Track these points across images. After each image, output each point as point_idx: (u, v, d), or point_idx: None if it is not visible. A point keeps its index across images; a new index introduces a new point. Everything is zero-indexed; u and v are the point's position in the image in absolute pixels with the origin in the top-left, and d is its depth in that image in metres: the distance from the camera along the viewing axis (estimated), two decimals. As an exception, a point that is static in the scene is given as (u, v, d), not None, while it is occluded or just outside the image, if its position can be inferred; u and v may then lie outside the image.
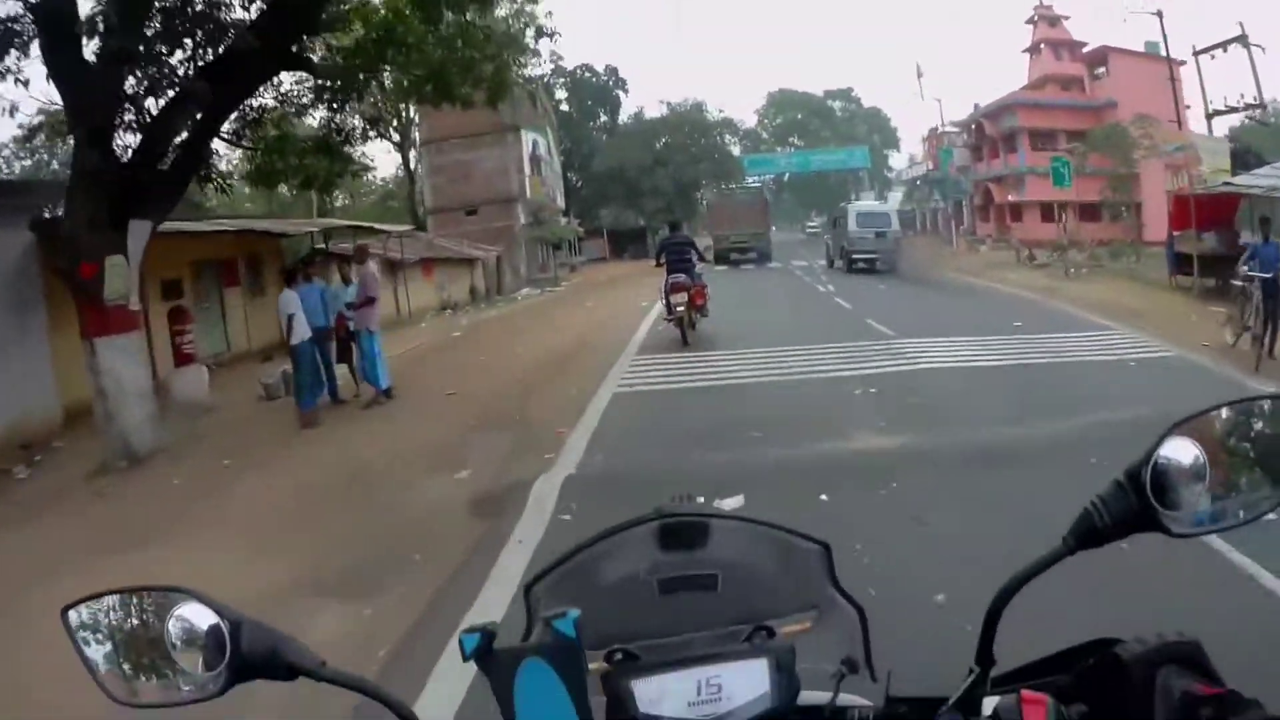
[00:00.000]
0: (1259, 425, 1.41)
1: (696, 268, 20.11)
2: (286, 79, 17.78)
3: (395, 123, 63.02)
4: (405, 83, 17.79)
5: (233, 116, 15.41)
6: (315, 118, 19.62)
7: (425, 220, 54.02)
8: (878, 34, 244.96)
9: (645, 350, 19.29)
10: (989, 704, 1.29)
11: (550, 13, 71.87)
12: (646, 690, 1.31)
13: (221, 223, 23.24)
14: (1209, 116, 40.12)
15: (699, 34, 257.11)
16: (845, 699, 1.40)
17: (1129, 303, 23.69)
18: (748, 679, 1.33)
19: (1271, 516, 1.34)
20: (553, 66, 79.87)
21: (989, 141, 68.67)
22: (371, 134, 23.71)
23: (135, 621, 1.31)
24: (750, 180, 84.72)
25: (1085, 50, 67.03)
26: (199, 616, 1.27)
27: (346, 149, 19.20)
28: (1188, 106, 52.16)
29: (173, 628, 1.27)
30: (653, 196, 74.43)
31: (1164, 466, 1.29)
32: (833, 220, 51.85)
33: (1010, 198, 64.59)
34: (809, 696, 1.37)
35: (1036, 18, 68.87)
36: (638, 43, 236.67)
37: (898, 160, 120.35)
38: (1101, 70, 65.24)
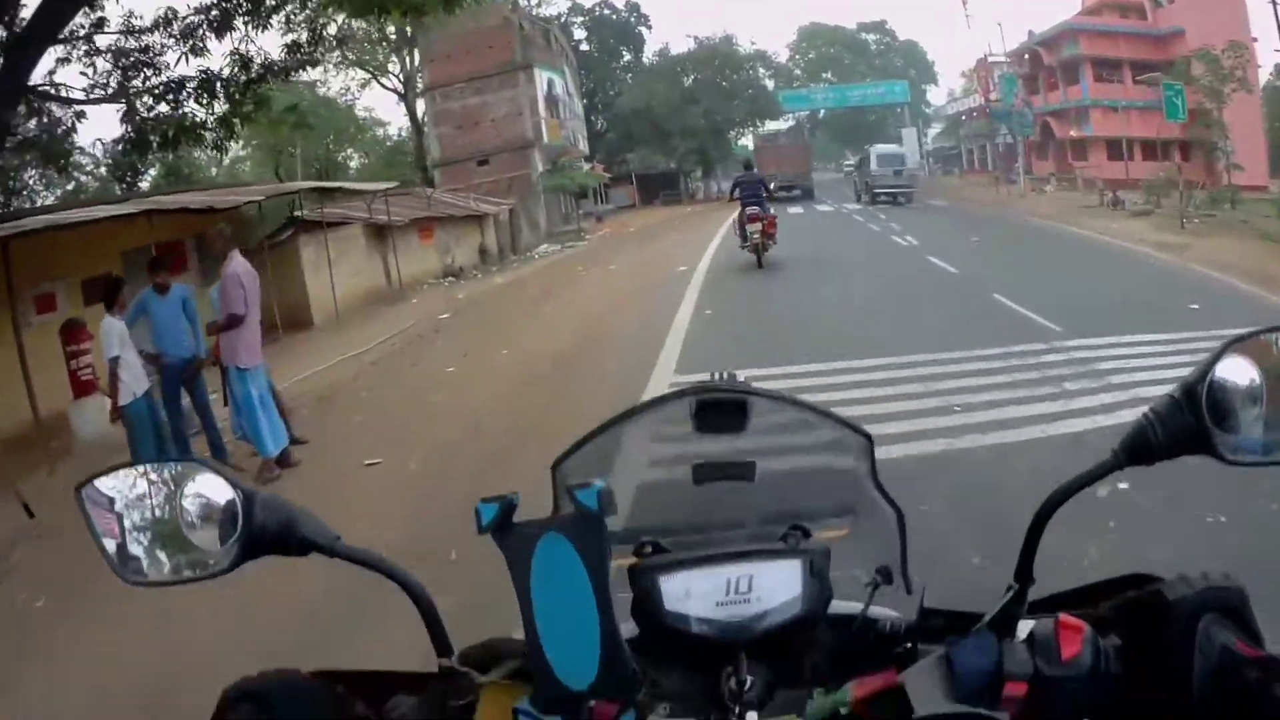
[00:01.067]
0: None
1: (767, 203, 22.16)
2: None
3: (398, 69, 58.32)
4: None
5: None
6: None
7: (434, 175, 49.11)
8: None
9: (691, 354, 12.59)
10: (1024, 626, 1.23)
11: None
12: (673, 586, 1.25)
13: (145, 203, 17.52)
14: None
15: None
16: (876, 610, 1.35)
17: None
18: (780, 581, 1.27)
19: None
20: (570, 3, 74.86)
21: (1045, 72, 62.81)
22: (320, 60, 18.15)
23: (150, 496, 1.26)
24: (786, 118, 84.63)
25: None
26: (214, 489, 1.23)
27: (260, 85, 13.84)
28: (1255, 39, 47.82)
29: (187, 502, 1.24)
30: (684, 137, 69.26)
31: (1220, 385, 1.19)
32: (859, 161, 59.96)
33: (1072, 133, 58.64)
34: (840, 605, 1.32)
35: None
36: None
37: (935, 95, 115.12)
38: None
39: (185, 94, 13.90)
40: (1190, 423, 1.18)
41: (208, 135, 14.87)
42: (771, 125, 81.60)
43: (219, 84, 14.01)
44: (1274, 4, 33.83)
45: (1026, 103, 58.64)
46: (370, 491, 8.36)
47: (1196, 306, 14.47)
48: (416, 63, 54.42)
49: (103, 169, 24.61)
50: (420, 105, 55.63)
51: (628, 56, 79.96)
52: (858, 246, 26.12)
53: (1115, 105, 52.56)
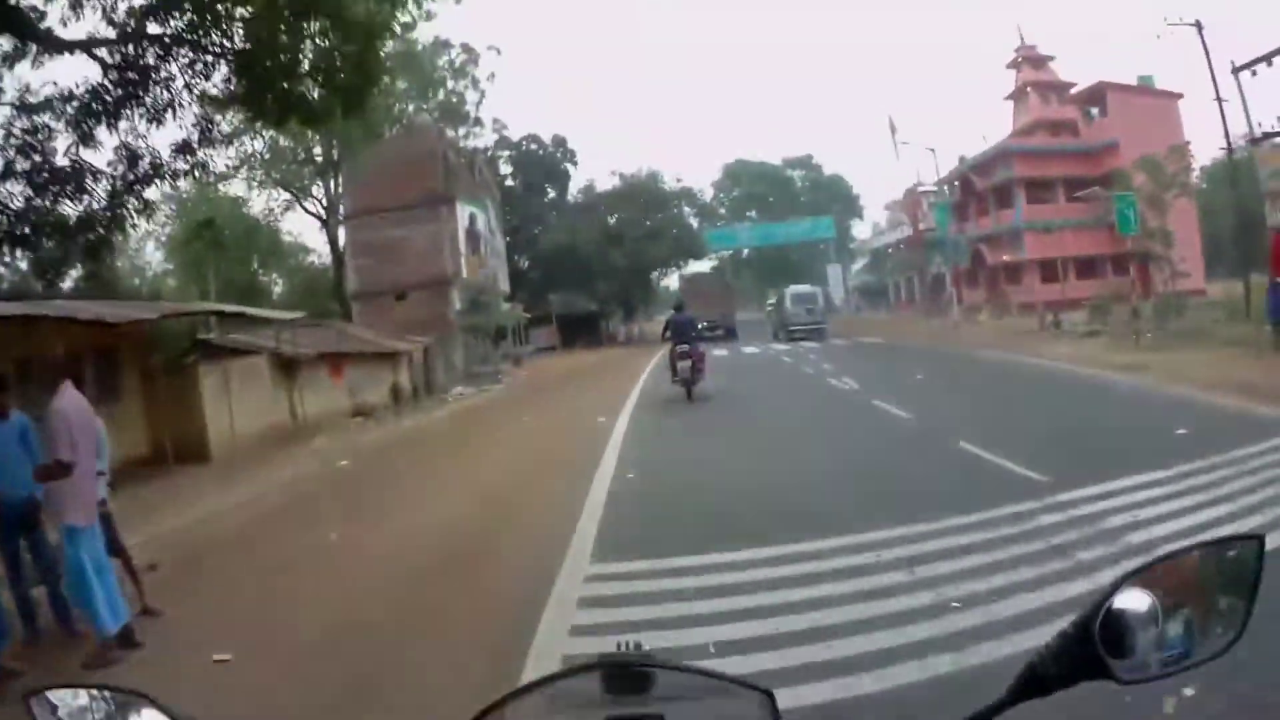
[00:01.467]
0: (1214, 567, 1.41)
1: (696, 342, 24.17)
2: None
3: (323, 194, 57.03)
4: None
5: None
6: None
7: (351, 307, 47.69)
8: (837, 96, 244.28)
9: (613, 533, 10.23)
10: None
11: (492, 74, 67.27)
12: None
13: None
14: (1254, 141, 33.86)
15: (648, 106, 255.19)
16: None
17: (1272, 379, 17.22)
18: None
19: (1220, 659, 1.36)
20: (496, 137, 74.32)
21: (977, 198, 63.66)
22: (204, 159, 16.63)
23: (96, 717, 1.33)
24: (711, 257, 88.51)
25: (1075, 90, 62.92)
26: None
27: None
28: (1188, 142, 48.00)
29: None
30: (606, 278, 68.63)
31: (1116, 615, 1.31)
32: (776, 302, 64.17)
33: (1005, 258, 58.92)
34: None
35: (1020, 60, 64.41)
36: (584, 117, 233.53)
37: (860, 229, 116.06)
38: (1095, 111, 60.77)
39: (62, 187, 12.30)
40: (1086, 653, 1.28)
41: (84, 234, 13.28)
42: (696, 265, 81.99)
43: (95, 177, 12.50)
44: (1220, 106, 33.25)
45: (960, 230, 59.28)
46: (208, 700, 6.28)
47: (1184, 431, 12.93)
48: (339, 188, 52.87)
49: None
50: (342, 233, 54.04)
51: (553, 193, 78.94)
52: (794, 392, 24.20)
53: (1050, 226, 52.77)
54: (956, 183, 66.23)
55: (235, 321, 26.40)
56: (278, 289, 69.47)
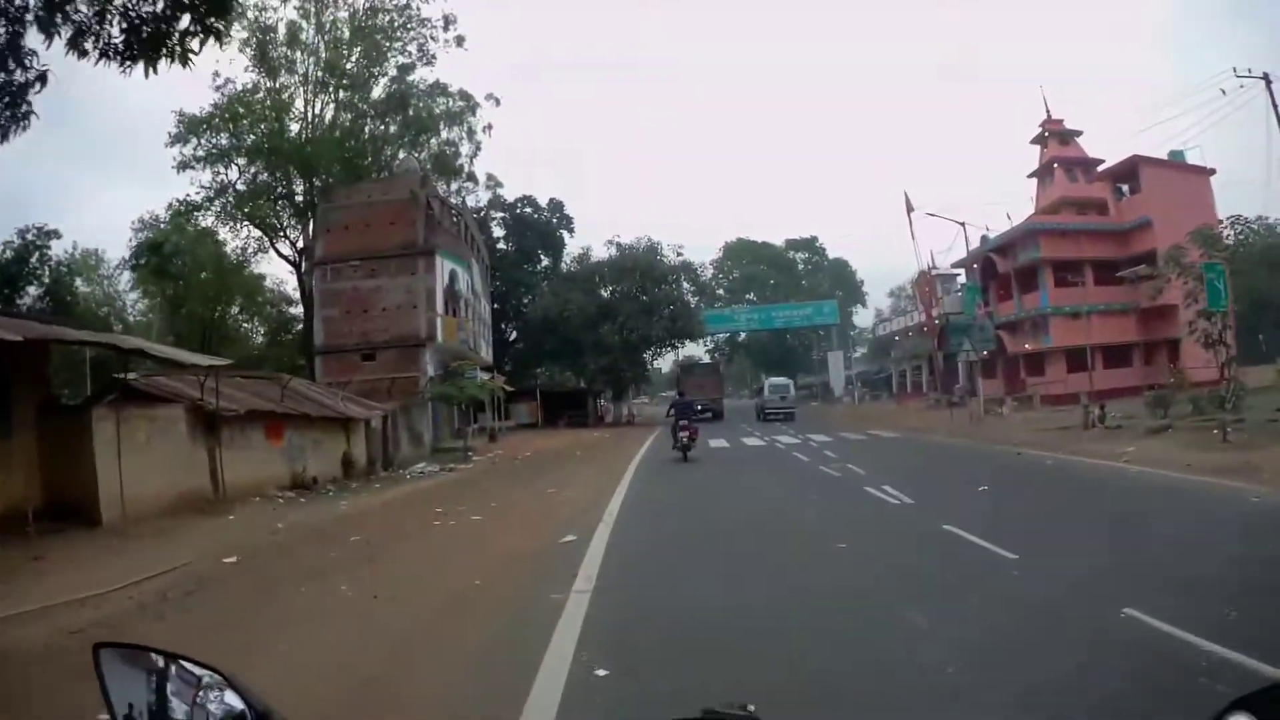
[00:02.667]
0: None
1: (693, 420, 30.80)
2: None
3: (298, 239, 53.05)
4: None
5: None
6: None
7: (316, 363, 43.88)
8: (842, 177, 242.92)
9: None
10: None
11: (489, 125, 63.98)
12: None
13: None
14: None
15: (651, 177, 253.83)
16: None
17: None
18: None
19: None
20: (489, 195, 70.88)
21: (997, 281, 59.93)
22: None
23: (166, 684, 1.36)
24: (708, 340, 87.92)
25: (1103, 167, 59.89)
26: (228, 699, 1.34)
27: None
28: (1221, 222, 47.73)
29: (201, 703, 1.34)
30: (596, 354, 64.44)
31: None
32: (757, 390, 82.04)
33: (1027, 346, 55.41)
34: None
35: (1046, 134, 60.96)
36: (584, 184, 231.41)
37: (862, 317, 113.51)
38: (1125, 188, 58.13)
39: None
40: None
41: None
42: (692, 346, 79.84)
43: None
44: None
45: (990, 314, 54.78)
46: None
47: None
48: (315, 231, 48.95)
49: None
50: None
51: (546, 260, 75.42)
52: (823, 506, 18.08)
53: (1078, 311, 48.72)
54: (976, 265, 62.69)
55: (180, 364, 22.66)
56: (260, 338, 65.76)
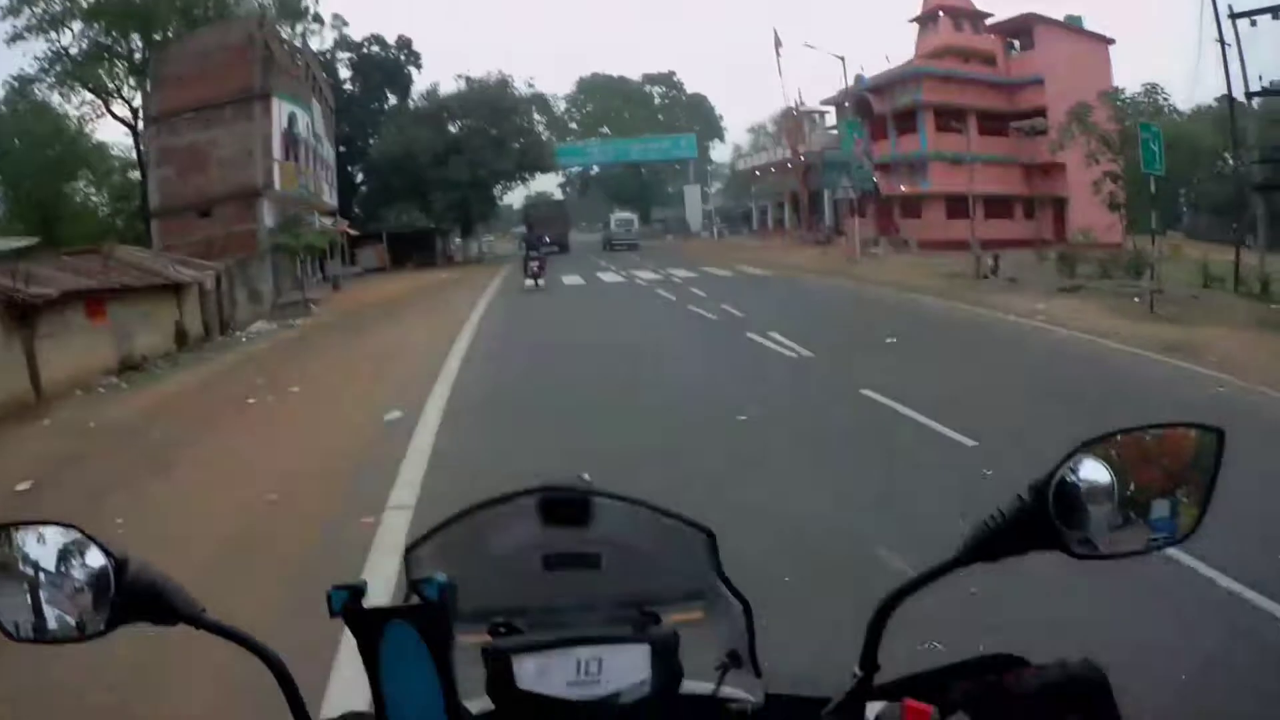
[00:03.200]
0: (1177, 452, 1.37)
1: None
2: None
3: (135, 99, 49.48)
4: None
5: None
6: None
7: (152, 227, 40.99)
8: (706, 11, 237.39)
9: None
10: (872, 709, 1.31)
11: None
12: (526, 666, 1.32)
13: None
14: (1248, 96, 30.69)
15: (502, 9, 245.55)
16: (727, 691, 1.42)
17: None
18: (629, 663, 1.33)
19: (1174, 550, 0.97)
20: (335, 36, 67.27)
21: (873, 121, 57.58)
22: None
23: (20, 554, 1.31)
24: (561, 173, 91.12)
25: (993, 20, 58.92)
26: (86, 554, 1.29)
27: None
28: (1115, 89, 45.82)
29: (58, 563, 1.29)
30: (445, 191, 62.15)
31: (1071, 484, 1.27)
32: (605, 225, 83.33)
33: (903, 188, 54.44)
34: (691, 686, 1.39)
35: None
36: (433, 19, 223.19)
37: (720, 153, 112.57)
38: (1016, 44, 57.87)
39: None
40: (1038, 520, 1.25)
41: None
42: (544, 180, 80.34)
43: None
44: (1222, 45, 29.71)
45: (867, 152, 52.69)
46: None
47: None
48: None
49: None
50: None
51: (394, 99, 71.93)
52: (703, 361, 16.78)
53: (960, 158, 48.08)
54: (848, 104, 61.12)
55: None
56: (104, 209, 61.39)
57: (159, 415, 15.90)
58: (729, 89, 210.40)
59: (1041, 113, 47.30)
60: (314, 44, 61.13)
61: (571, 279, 37.07)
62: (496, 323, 23.59)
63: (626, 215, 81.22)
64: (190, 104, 40.10)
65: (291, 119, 42.41)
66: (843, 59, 69.14)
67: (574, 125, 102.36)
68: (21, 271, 19.84)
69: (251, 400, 15.68)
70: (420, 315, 28.09)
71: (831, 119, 68.38)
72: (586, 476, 1.58)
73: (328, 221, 46.70)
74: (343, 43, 69.91)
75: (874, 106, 57.01)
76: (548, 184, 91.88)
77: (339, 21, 67.59)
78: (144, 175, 46.71)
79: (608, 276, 39.01)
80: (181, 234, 38.42)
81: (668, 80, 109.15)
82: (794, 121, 67.17)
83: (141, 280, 25.52)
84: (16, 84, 50.31)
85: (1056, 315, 21.12)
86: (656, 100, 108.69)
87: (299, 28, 58.49)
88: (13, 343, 19.25)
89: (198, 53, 40.85)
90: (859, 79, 58.34)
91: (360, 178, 70.26)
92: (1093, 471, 1.27)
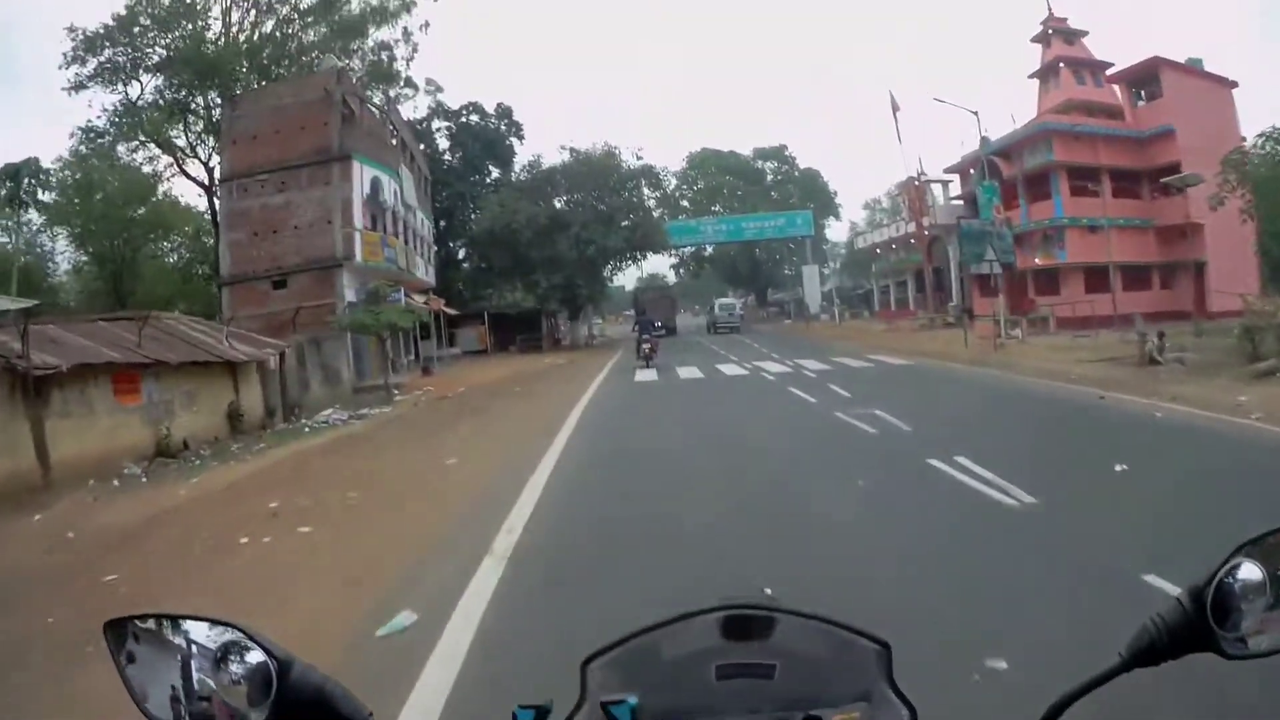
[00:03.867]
0: None
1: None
2: None
3: (209, 158, 47.16)
4: None
5: None
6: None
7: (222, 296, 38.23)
8: (813, 85, 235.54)
9: None
10: None
11: (426, 23, 57.76)
12: None
13: None
14: None
15: (609, 84, 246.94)
16: None
17: None
18: None
19: None
20: (431, 104, 65.24)
21: (1000, 188, 52.81)
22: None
23: (182, 647, 1.30)
24: (673, 253, 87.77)
25: (1115, 70, 53.91)
26: (247, 652, 1.28)
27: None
28: (1244, 139, 43.13)
29: (219, 660, 1.28)
30: (550, 270, 58.16)
31: (1228, 587, 1.29)
32: (710, 309, 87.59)
33: (1038, 261, 49.07)
34: None
35: (1050, 32, 54.72)
36: (535, 91, 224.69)
37: (836, 231, 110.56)
38: (1141, 94, 52.38)
39: None
40: (1195, 624, 1.28)
41: None
42: (655, 260, 78.99)
43: None
44: None
45: (1007, 220, 47.12)
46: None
47: None
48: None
49: None
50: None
51: (495, 171, 69.07)
52: (876, 499, 11.12)
53: (1097, 224, 43.95)
54: (973, 170, 56.65)
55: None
56: (179, 272, 58.86)
57: (154, 532, 12.21)
58: (841, 164, 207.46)
59: (1176, 167, 42.44)
60: (407, 111, 58.95)
61: (688, 371, 32.78)
62: (599, 428, 18.83)
63: (729, 300, 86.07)
64: (264, 164, 37.54)
65: (376, 185, 39.43)
66: (976, 113, 64.73)
67: (685, 203, 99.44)
68: (34, 336, 16.82)
69: (244, 539, 11.03)
70: (514, 410, 24.35)
71: (955, 187, 64.05)
72: (769, 591, 1.81)
73: (419, 299, 43.54)
74: (439, 111, 67.96)
75: (1003, 172, 51.54)
76: (660, 264, 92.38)
77: (433, 87, 65.73)
78: (216, 239, 43.98)
79: (729, 369, 33.52)
80: (254, 305, 35.85)
81: (779, 155, 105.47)
82: (916, 191, 62.59)
83: (185, 355, 22.32)
84: (85, 134, 48.21)
85: (1275, 410, 15.74)
86: (769, 176, 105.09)
87: (392, 92, 56.35)
88: (17, 417, 16.30)
89: (272, 109, 38.45)
90: (984, 141, 54.00)
91: (461, 254, 67.78)
92: (1248, 572, 1.27)
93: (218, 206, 41.45)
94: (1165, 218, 47.29)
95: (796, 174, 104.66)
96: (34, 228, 52.63)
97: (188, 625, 1.28)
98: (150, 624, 1.29)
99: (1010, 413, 18.98)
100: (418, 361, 44.40)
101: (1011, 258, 42.15)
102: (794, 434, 16.91)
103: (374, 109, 43.76)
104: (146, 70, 46.23)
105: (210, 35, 47.63)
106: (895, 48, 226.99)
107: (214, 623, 1.29)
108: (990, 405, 20.11)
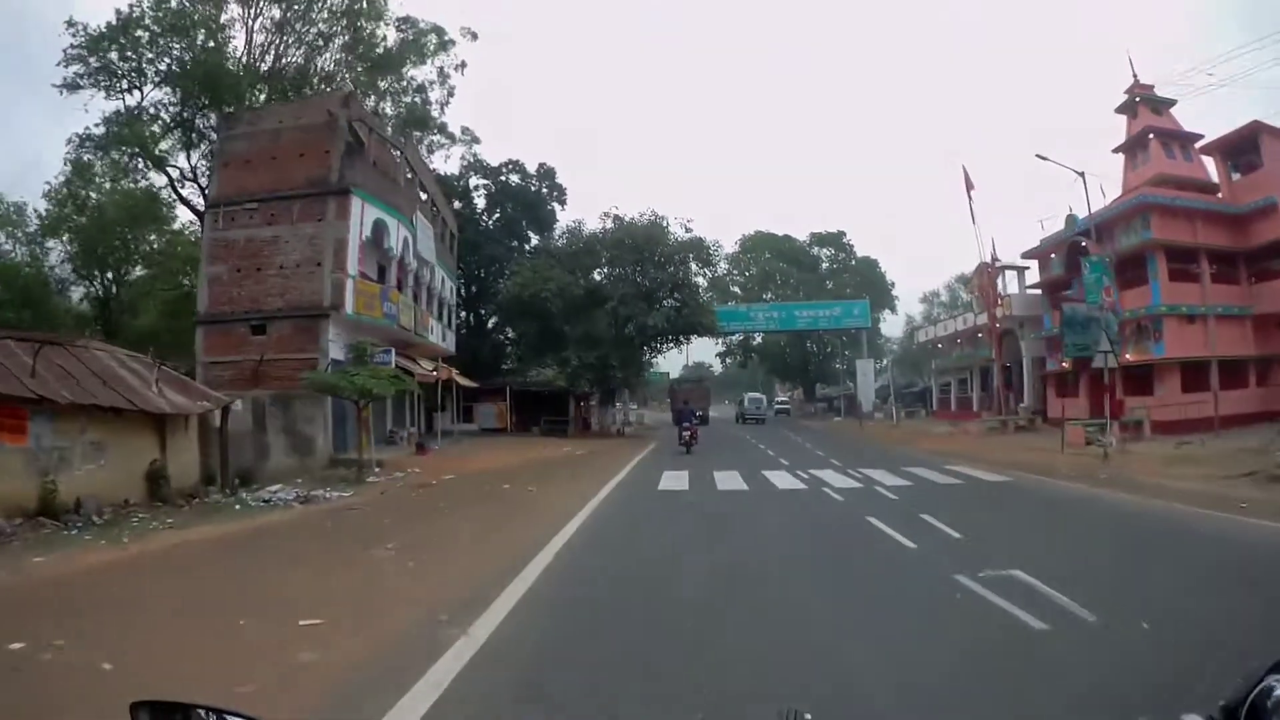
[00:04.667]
0: None
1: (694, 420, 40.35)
2: None
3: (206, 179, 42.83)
4: None
5: None
6: None
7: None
8: (866, 172, 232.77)
9: None
10: None
11: (463, 64, 54.32)
12: None
13: None
14: None
15: (658, 164, 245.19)
16: None
17: None
18: None
19: None
20: (465, 156, 61.78)
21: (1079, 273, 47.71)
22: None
23: None
24: (722, 341, 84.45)
25: (1206, 141, 48.25)
26: None
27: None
28: None
29: None
30: (583, 346, 53.44)
31: (1259, 703, 1.39)
32: (740, 401, 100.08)
33: (1129, 356, 42.35)
34: None
35: (1137, 99, 49.79)
36: (582, 168, 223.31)
37: (890, 327, 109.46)
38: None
39: None
40: None
41: None
42: (700, 345, 75.70)
43: None
44: None
45: (1115, 306, 41.74)
46: None
47: None
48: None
49: None
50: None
51: (535, 238, 65.49)
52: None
53: (1196, 313, 39.96)
54: (1054, 255, 52.00)
55: None
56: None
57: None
58: (896, 256, 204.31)
59: (1278, 246, 37.93)
60: (439, 162, 55.54)
61: (728, 479, 25.33)
62: (583, 574, 11.74)
63: (758, 395, 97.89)
64: (255, 191, 33.49)
65: (380, 229, 35.06)
66: (1081, 174, 58.93)
67: (735, 289, 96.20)
68: None
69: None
70: (484, 518, 18.19)
71: (1032, 274, 58.55)
72: (809, 717, 1.87)
73: (425, 365, 39.20)
74: (476, 166, 64.56)
75: (1091, 254, 46.44)
76: (704, 351, 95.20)
77: (468, 136, 61.99)
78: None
79: (780, 478, 25.47)
80: (231, 349, 32.03)
81: (837, 241, 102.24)
82: (988, 278, 57.98)
83: (84, 397, 18.04)
84: (82, 142, 43.89)
85: None
86: (824, 264, 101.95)
87: (426, 139, 52.74)
88: None
89: (271, 130, 34.44)
90: (1071, 220, 49.12)
91: (491, 322, 64.25)
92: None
93: (204, 234, 36.62)
94: (1264, 304, 42.34)
95: (853, 262, 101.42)
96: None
97: (211, 714, 1.40)
98: (174, 713, 1.42)
99: (1183, 567, 11.81)
100: (429, 434, 40.23)
101: (1118, 349, 36.70)
102: (904, 629, 8.71)
103: (391, 145, 39.59)
104: (152, 81, 42.22)
105: (231, 53, 43.95)
106: (954, 129, 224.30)
107: (239, 715, 1.41)
108: (1144, 550, 13.08)
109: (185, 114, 42.89)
